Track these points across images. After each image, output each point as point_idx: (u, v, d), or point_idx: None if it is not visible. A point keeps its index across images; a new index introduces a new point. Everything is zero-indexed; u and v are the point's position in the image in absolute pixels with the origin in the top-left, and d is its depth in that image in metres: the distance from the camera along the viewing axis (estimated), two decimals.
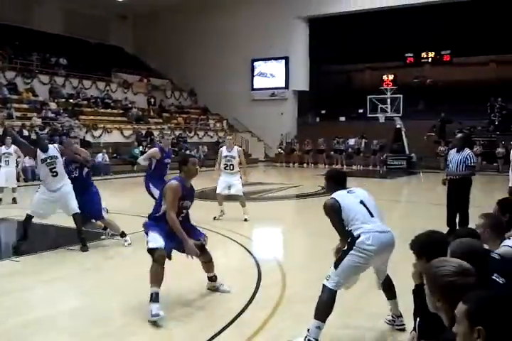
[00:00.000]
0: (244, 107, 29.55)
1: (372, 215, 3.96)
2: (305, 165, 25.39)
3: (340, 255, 3.94)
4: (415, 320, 3.05)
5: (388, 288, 4.29)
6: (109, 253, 7.21)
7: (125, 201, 13.37)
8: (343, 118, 28.22)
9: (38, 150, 7.15)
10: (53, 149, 7.20)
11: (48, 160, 7.07)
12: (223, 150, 9.69)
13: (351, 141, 25.04)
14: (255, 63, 30.36)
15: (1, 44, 24.45)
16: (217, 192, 9.55)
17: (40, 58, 25.71)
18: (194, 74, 30.20)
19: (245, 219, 9.44)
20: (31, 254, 6.92)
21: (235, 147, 9.80)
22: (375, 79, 27.03)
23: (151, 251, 4.55)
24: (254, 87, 30.43)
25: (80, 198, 7.18)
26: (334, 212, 3.98)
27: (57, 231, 8.36)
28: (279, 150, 27.38)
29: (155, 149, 8.64)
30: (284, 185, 16.20)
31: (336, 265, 3.90)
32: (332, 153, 25.01)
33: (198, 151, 24.45)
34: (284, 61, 29.41)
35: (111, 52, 31.43)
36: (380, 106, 24.73)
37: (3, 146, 11.69)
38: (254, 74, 30.42)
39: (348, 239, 3.92)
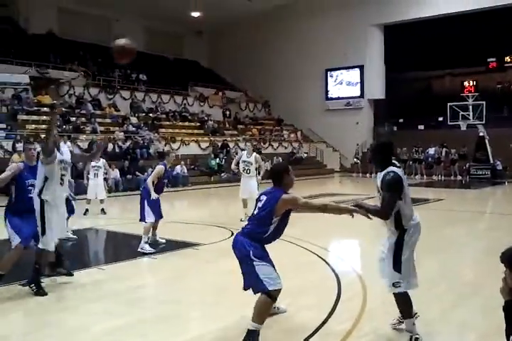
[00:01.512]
0: (318, 117, 29.46)
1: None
2: None
3: (394, 255, 4.00)
4: (508, 338, 2.88)
5: None
6: (189, 262, 7.29)
7: (203, 211, 13.64)
8: (421, 127, 27.44)
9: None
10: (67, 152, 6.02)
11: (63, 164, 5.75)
12: (243, 155, 10.92)
13: (431, 150, 24.25)
14: (329, 73, 30.21)
15: (85, 62, 25.87)
16: (242, 197, 10.65)
17: (121, 75, 26.93)
18: (268, 85, 30.54)
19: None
20: (116, 262, 7.20)
21: (254, 154, 10.93)
22: (455, 86, 26.13)
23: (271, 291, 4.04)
24: (329, 96, 30.28)
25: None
26: (399, 187, 3.92)
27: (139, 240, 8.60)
28: (355, 160, 26.96)
29: (161, 167, 7.99)
30: (360, 196, 15.87)
31: (397, 268, 3.99)
32: (411, 162, 24.32)
33: (273, 162, 24.53)
34: (358, 70, 29.08)
35: (187, 66, 32.38)
36: (462, 113, 23.76)
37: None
38: (329, 83, 30.26)
39: (394, 225, 3.98)
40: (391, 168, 3.97)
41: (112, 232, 9.71)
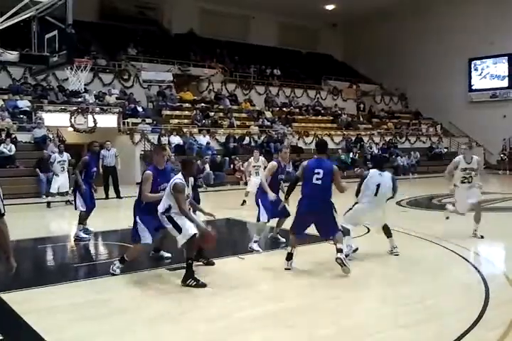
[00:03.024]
0: (460, 110, 27.70)
1: (376, 194, 6.69)
2: None
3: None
4: None
5: (385, 230, 6.99)
6: (328, 255, 7.13)
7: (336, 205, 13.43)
8: None
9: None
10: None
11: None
12: (461, 161, 8.35)
13: None
14: (473, 62, 28.27)
15: (223, 59, 26.87)
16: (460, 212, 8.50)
17: (256, 70, 27.54)
18: (405, 77, 29.31)
19: (479, 236, 8.24)
20: (256, 253, 7.33)
21: (474, 157, 8.44)
22: None
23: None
24: (473, 88, 28.36)
25: None
26: (362, 179, 6.84)
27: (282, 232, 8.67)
28: (502, 156, 24.95)
29: (273, 163, 7.86)
30: (508, 195, 14.69)
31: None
32: None
33: (410, 157, 23.56)
34: (506, 58, 26.86)
35: (320, 60, 32.20)
36: None
37: (252, 158, 12.66)
38: (473, 75, 28.33)
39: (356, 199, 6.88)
40: (371, 170, 7.05)
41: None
